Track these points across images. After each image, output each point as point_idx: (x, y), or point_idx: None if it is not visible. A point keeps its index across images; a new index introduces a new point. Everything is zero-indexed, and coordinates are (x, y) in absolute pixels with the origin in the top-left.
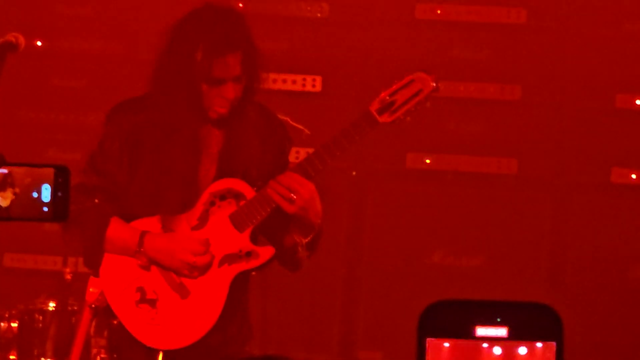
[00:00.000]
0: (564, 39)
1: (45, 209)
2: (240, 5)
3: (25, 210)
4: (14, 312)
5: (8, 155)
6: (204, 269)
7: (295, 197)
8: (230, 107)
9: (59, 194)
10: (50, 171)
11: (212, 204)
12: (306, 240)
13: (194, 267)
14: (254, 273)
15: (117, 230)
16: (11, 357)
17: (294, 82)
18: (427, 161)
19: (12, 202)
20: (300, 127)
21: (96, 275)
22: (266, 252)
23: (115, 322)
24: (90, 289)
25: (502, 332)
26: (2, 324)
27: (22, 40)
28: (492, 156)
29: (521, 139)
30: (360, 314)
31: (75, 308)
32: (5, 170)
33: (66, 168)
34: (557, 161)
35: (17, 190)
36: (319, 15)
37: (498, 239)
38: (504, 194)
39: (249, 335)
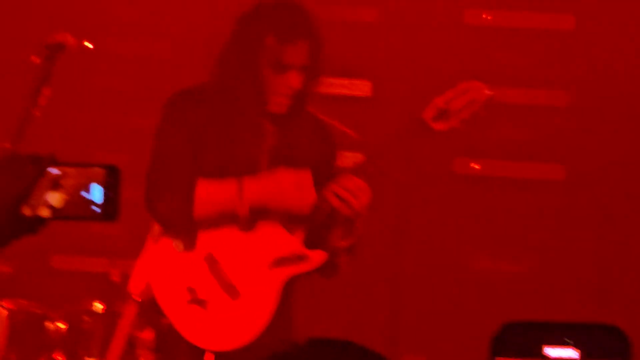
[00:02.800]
0: (612, 45)
1: (96, 208)
2: None
3: (76, 210)
4: (61, 313)
5: (57, 156)
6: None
7: (355, 201)
8: (291, 98)
9: (110, 193)
10: (101, 171)
11: None
12: (347, 244)
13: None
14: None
15: (208, 186)
16: (58, 358)
17: (342, 86)
18: (475, 166)
19: (64, 201)
20: (349, 131)
21: (189, 248)
22: (318, 256)
23: (164, 321)
24: (134, 281)
25: (571, 353)
26: (50, 325)
27: (71, 40)
28: (540, 162)
29: (569, 145)
30: (405, 318)
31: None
32: (56, 170)
33: (116, 168)
34: (605, 168)
35: (69, 189)
36: (368, 19)
37: (545, 246)
38: (551, 200)
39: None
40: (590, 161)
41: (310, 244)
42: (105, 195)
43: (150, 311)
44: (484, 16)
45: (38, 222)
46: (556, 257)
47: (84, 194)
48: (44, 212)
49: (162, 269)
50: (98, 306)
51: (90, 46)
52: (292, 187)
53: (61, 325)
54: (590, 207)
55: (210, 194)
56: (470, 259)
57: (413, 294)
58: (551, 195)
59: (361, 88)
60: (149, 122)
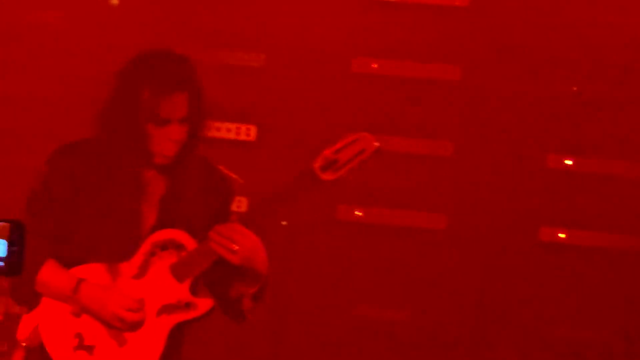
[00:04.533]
0: (498, 95)
1: (0, 263)
2: None
3: None
4: None
5: None
6: (134, 326)
7: (237, 247)
8: (176, 149)
9: (14, 248)
10: (5, 226)
11: (153, 254)
12: (253, 290)
13: (125, 322)
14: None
15: (51, 273)
16: None
17: (228, 130)
18: (358, 213)
19: None
20: (234, 175)
21: (27, 310)
22: (205, 304)
23: None
24: (22, 328)
25: None
26: None
27: None
28: (423, 211)
29: (451, 194)
30: None
31: (5, 349)
32: None
33: (21, 223)
34: (486, 218)
35: None
36: (255, 64)
37: (426, 293)
38: (433, 248)
39: None
40: (471, 211)
41: (213, 291)
42: (9, 249)
43: (38, 356)
44: (372, 65)
45: None
46: (437, 305)
47: None
48: None
49: (50, 313)
50: None
51: None
52: (118, 303)
53: None
54: (472, 256)
55: (48, 280)
56: (351, 305)
57: (294, 341)
58: (432, 243)
59: (247, 132)
60: (35, 161)
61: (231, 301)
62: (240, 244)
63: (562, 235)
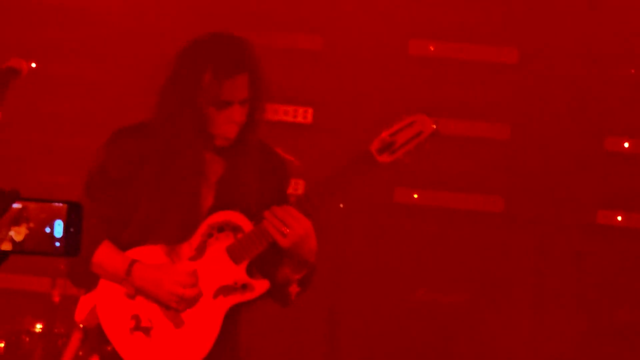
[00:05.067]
0: (555, 78)
1: (57, 244)
2: None
3: (38, 245)
4: (0, 332)
5: (1, 177)
6: (191, 302)
7: (288, 230)
8: (237, 131)
9: (71, 229)
10: (63, 207)
11: (210, 235)
12: (298, 276)
13: (182, 299)
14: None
15: (106, 255)
16: None
17: (285, 112)
18: (415, 196)
19: (25, 236)
20: (291, 158)
21: (85, 292)
22: (261, 286)
23: (109, 348)
24: (80, 309)
25: None
26: None
27: (25, 65)
28: (479, 194)
29: (508, 177)
30: (344, 349)
31: (62, 331)
32: (19, 205)
33: (79, 204)
34: (543, 200)
35: (31, 225)
36: (313, 47)
37: (483, 276)
38: (490, 231)
39: None
40: (528, 193)
41: (262, 273)
42: (67, 231)
43: (96, 338)
44: (429, 47)
45: (0, 256)
46: (494, 287)
47: (47, 229)
48: (6, 247)
49: (107, 295)
50: (38, 326)
51: (34, 65)
52: (173, 281)
53: (0, 345)
54: (528, 239)
55: (103, 262)
56: (409, 289)
57: (351, 324)
58: (490, 226)
59: (304, 115)
60: (91, 145)
61: (278, 285)
62: (292, 227)
63: (619, 218)
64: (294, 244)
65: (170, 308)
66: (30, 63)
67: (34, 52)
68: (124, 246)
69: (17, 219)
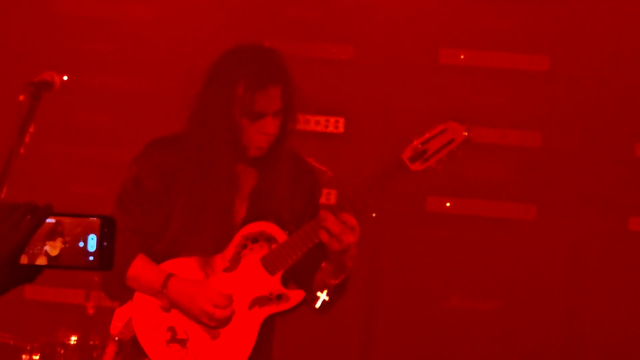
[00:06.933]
0: (586, 85)
1: (91, 258)
2: None
3: (72, 259)
4: (35, 345)
5: (34, 190)
6: (223, 322)
7: (345, 237)
8: (269, 142)
9: (104, 243)
10: (96, 221)
11: (244, 246)
12: (336, 282)
13: (212, 318)
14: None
15: (142, 268)
16: None
17: (317, 122)
18: (447, 205)
19: (60, 251)
20: (324, 168)
21: (120, 304)
22: (296, 296)
23: None
24: (115, 321)
25: None
26: (24, 357)
27: (57, 79)
28: (512, 202)
29: (540, 185)
30: (378, 356)
31: (97, 343)
32: (53, 220)
33: (112, 219)
34: (576, 209)
35: (66, 239)
36: (344, 57)
37: (515, 283)
38: (522, 239)
39: None
40: (561, 201)
41: (298, 281)
42: (100, 245)
43: (131, 350)
44: (459, 56)
45: (35, 271)
46: (527, 295)
47: (80, 244)
48: (41, 261)
49: (142, 307)
50: (72, 338)
51: (65, 78)
52: (207, 299)
53: (35, 358)
54: (561, 246)
55: (138, 275)
56: (442, 297)
57: (385, 332)
58: (522, 234)
59: (335, 125)
60: (124, 157)
61: (314, 292)
62: (348, 234)
63: None
64: (344, 249)
65: (200, 324)
66: (63, 76)
67: (66, 65)
68: (157, 258)
69: (52, 234)
